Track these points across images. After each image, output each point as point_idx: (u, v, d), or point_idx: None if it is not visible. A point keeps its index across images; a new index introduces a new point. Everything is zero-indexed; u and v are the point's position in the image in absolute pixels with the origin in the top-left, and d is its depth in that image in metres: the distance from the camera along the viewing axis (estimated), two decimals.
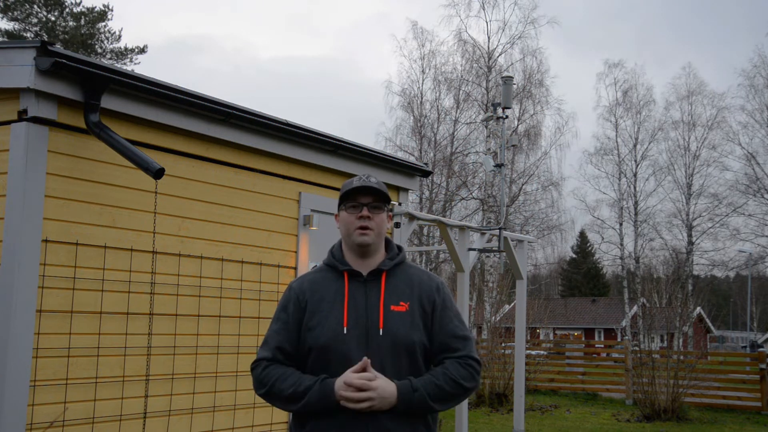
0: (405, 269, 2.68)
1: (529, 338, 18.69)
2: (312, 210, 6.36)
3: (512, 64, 28.10)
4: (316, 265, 6.66)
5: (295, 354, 2.56)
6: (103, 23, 34.98)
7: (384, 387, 2.41)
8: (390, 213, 2.71)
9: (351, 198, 2.60)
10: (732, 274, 44.43)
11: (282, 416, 5.95)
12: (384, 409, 2.41)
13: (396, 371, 2.49)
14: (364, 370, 2.42)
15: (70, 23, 34.54)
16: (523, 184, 27.79)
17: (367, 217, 2.58)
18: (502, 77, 10.11)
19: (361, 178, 2.63)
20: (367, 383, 2.39)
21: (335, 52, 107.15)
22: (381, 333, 2.50)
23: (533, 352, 17.88)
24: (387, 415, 2.44)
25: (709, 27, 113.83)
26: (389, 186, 7.48)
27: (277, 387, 2.49)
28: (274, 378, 2.51)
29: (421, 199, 27.35)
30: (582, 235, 54.37)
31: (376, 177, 2.68)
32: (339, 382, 2.42)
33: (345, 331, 2.49)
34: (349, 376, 2.41)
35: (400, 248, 2.73)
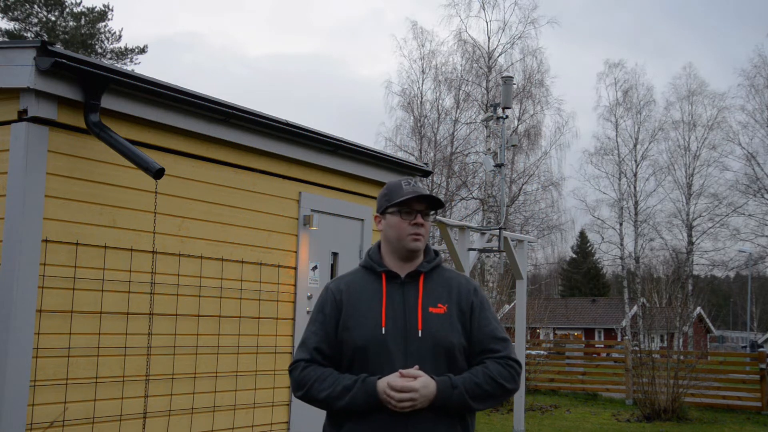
0: (441, 272, 2.70)
1: (529, 338, 18.69)
2: (312, 210, 6.36)
3: (512, 64, 28.14)
4: (316, 266, 6.65)
5: (333, 355, 2.56)
6: (103, 23, 34.99)
7: (425, 384, 2.42)
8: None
9: (405, 204, 2.62)
10: (732, 274, 44.48)
11: (282, 416, 5.95)
12: (425, 406, 2.42)
13: (435, 373, 2.49)
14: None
15: (71, 23, 34.55)
16: (523, 184, 27.81)
17: (420, 224, 2.62)
18: (502, 77, 10.11)
19: (411, 183, 2.67)
20: (409, 384, 2.40)
21: (327, 49, 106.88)
22: (420, 335, 2.51)
23: (533, 352, 17.88)
24: (427, 416, 2.44)
25: (711, 19, 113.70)
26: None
27: (315, 388, 2.49)
28: (312, 380, 2.50)
29: None
30: (582, 235, 54.35)
31: (422, 183, 2.72)
32: (383, 383, 2.42)
33: (383, 332, 2.50)
34: (392, 377, 2.42)
35: (436, 252, 2.75)
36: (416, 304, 2.56)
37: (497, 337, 2.60)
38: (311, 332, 2.60)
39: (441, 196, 27.75)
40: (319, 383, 2.49)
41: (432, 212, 2.73)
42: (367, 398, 2.42)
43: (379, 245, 2.73)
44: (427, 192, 2.66)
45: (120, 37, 35.45)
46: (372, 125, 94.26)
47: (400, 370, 2.43)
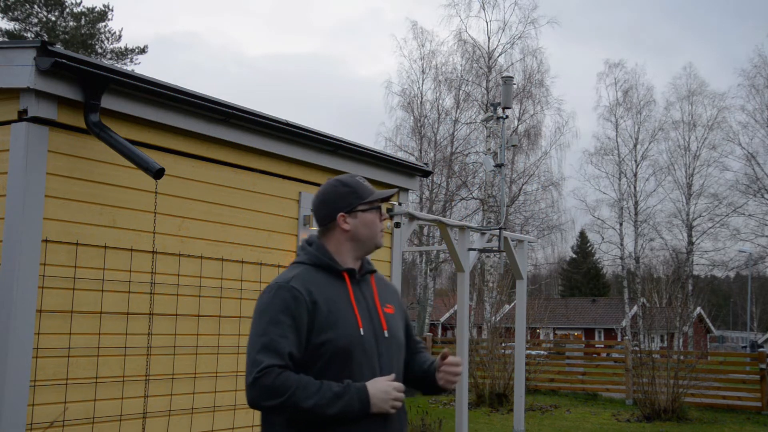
0: (376, 273, 2.72)
1: (529, 338, 18.69)
2: (312, 210, 6.36)
3: (512, 64, 28.13)
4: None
5: (302, 360, 2.38)
6: (104, 23, 34.99)
7: None
8: None
9: (376, 202, 2.62)
10: (732, 274, 44.46)
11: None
12: None
13: (399, 372, 2.57)
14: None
15: (71, 23, 34.54)
16: (523, 184, 27.81)
17: (383, 220, 2.66)
18: (502, 77, 10.11)
19: (365, 180, 2.68)
20: (401, 386, 2.47)
21: (327, 49, 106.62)
22: (386, 335, 2.52)
23: (533, 352, 17.87)
24: (396, 415, 2.47)
25: (711, 18, 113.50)
26: (389, 186, 7.48)
27: (298, 396, 2.28)
28: (293, 387, 2.28)
29: (421, 199, 27.38)
30: (582, 235, 54.34)
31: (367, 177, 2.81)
32: (382, 386, 2.39)
33: (362, 333, 2.45)
34: (392, 383, 2.42)
35: None
36: (375, 304, 2.56)
37: (415, 335, 2.82)
38: (277, 335, 2.34)
39: (441, 196, 27.79)
40: (303, 390, 2.28)
41: None
42: (362, 404, 2.34)
43: (321, 243, 2.61)
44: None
45: (120, 37, 35.47)
46: (372, 125, 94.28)
47: (390, 376, 2.46)
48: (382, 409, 2.37)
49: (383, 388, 2.38)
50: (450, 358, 2.59)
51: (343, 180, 2.64)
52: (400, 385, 2.44)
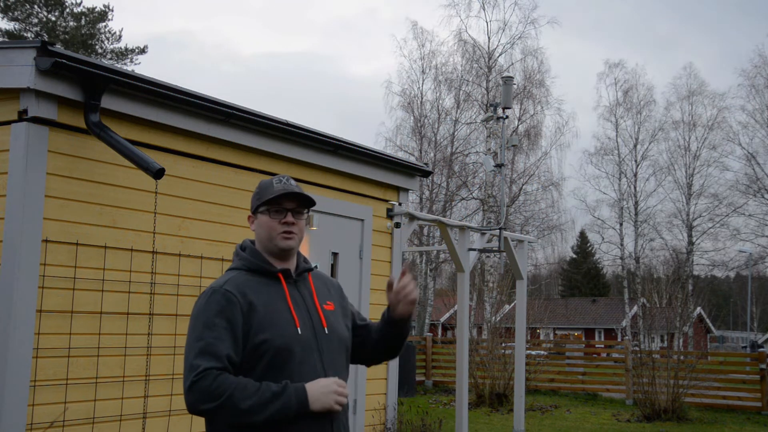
0: (314, 271, 2.73)
1: (529, 338, 18.68)
2: (312, 210, 6.36)
3: (512, 64, 28.12)
4: (316, 266, 6.64)
5: (239, 363, 2.36)
6: (104, 23, 34.99)
7: None
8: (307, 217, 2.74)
9: (274, 202, 2.59)
10: (732, 274, 44.41)
11: None
12: None
13: (342, 368, 2.56)
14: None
15: (71, 23, 34.54)
16: (523, 184, 27.80)
17: (291, 222, 2.59)
18: (503, 77, 10.10)
19: (282, 181, 2.62)
20: (342, 382, 2.44)
21: (325, 48, 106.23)
22: (327, 332, 2.53)
23: (533, 352, 17.86)
24: (343, 413, 2.48)
25: (712, 14, 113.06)
26: (389, 186, 7.48)
27: (236, 397, 2.26)
28: (231, 388, 2.27)
29: (421, 199, 27.37)
30: (582, 235, 54.32)
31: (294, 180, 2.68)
32: (322, 383, 2.37)
33: (299, 332, 2.45)
34: (332, 378, 2.41)
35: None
36: (314, 302, 2.57)
37: (364, 318, 2.80)
38: (214, 338, 2.33)
39: (441, 196, 27.77)
40: (241, 391, 2.27)
41: (306, 211, 2.66)
42: (300, 402, 2.32)
43: (254, 247, 2.66)
44: (297, 189, 2.60)
45: (120, 37, 35.46)
46: (372, 125, 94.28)
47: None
48: (325, 405, 2.35)
49: (323, 383, 2.37)
50: (340, 381, 2.45)
51: (261, 182, 2.68)
52: (341, 381, 2.41)
